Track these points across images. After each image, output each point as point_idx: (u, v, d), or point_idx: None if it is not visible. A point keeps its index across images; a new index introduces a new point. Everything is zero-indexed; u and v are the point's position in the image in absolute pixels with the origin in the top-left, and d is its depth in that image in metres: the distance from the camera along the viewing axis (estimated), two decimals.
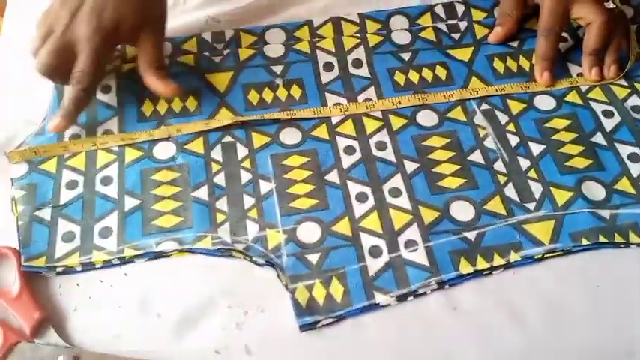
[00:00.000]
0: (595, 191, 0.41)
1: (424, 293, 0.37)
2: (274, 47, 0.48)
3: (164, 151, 0.42)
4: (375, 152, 0.43)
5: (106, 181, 0.41)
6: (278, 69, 0.47)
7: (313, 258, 0.38)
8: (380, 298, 0.36)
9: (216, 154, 0.42)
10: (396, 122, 0.44)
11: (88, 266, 0.37)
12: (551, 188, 0.41)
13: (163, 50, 0.45)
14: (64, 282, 0.37)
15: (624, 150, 0.43)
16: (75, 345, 0.35)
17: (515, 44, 0.49)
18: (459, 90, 0.46)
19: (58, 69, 0.41)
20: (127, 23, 0.42)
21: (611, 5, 0.46)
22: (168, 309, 0.36)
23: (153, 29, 0.43)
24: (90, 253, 0.37)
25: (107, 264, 0.37)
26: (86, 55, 0.40)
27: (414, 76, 0.47)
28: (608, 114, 0.45)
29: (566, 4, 0.46)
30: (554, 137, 0.43)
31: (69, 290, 0.37)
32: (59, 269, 0.37)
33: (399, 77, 0.47)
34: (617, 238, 0.38)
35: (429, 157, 0.42)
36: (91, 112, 0.44)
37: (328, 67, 0.47)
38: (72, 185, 0.41)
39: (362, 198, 0.40)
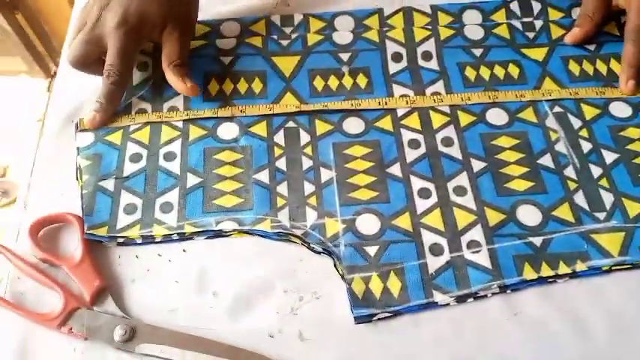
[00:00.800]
0: None
1: (485, 296, 0.36)
2: (343, 34, 0.47)
3: (228, 131, 0.42)
4: (441, 148, 0.42)
5: (169, 156, 0.41)
6: (345, 56, 0.46)
7: (371, 250, 0.37)
8: (439, 297, 0.35)
9: (279, 138, 0.42)
10: (465, 119, 0.43)
11: (148, 239, 0.38)
12: (622, 199, 0.39)
13: (188, 48, 0.44)
14: (124, 253, 0.38)
15: None
16: (132, 316, 0.35)
17: (592, 47, 0.47)
18: (532, 90, 0.44)
19: (87, 61, 0.42)
20: (151, 19, 0.42)
21: None
22: (224, 289, 0.36)
23: (177, 26, 0.43)
24: (150, 226, 0.38)
25: (167, 239, 0.38)
26: (114, 49, 0.41)
27: (485, 73, 0.45)
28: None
29: None
30: (629, 147, 0.41)
31: (128, 261, 0.37)
32: (120, 240, 0.38)
33: (470, 73, 0.45)
34: None
35: (497, 156, 0.41)
36: (157, 89, 0.44)
37: (396, 57, 0.46)
38: (136, 158, 0.41)
39: (424, 194, 0.40)
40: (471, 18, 0.48)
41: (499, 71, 0.45)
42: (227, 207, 0.39)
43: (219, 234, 0.38)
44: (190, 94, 0.43)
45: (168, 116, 0.43)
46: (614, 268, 0.36)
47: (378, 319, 0.35)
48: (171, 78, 0.43)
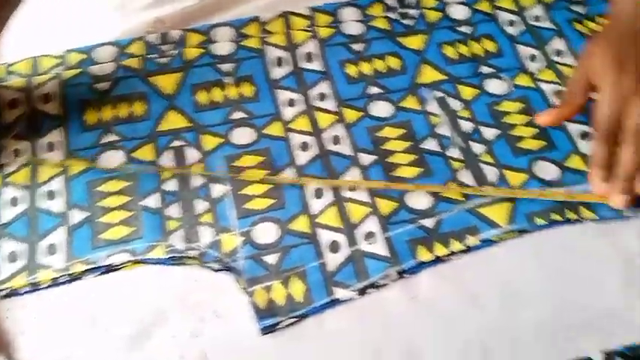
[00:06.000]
0: (548, 170, 0.41)
1: (385, 285, 0.36)
2: (222, 45, 0.47)
3: (110, 160, 0.41)
4: (330, 147, 0.42)
5: (51, 195, 0.39)
6: (227, 67, 0.46)
7: (271, 259, 0.37)
8: (340, 293, 0.36)
9: (166, 159, 0.41)
10: (350, 115, 0.44)
11: (36, 286, 0.36)
12: (504, 171, 0.41)
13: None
14: (11, 305, 0.35)
15: (575, 129, 0.43)
16: None
17: (466, 29, 0.49)
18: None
19: None
20: None
21: None
22: (120, 324, 0.35)
23: None
24: (36, 272, 0.36)
25: (55, 282, 0.36)
26: None
27: (365, 68, 0.46)
28: (559, 94, 0.45)
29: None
30: (506, 120, 0.43)
31: (15, 313, 0.35)
32: (5, 292, 0.36)
33: (350, 69, 0.46)
34: (570, 215, 0.39)
35: (384, 147, 0.42)
36: (31, 126, 0.42)
37: (279, 62, 0.46)
38: (14, 202, 0.39)
39: (319, 194, 0.40)
40: (349, 15, 0.49)
41: (379, 65, 0.46)
42: (117, 239, 0.37)
43: (111, 268, 0.37)
44: None
45: (45, 154, 0.41)
46: (503, 237, 0.38)
47: (285, 326, 0.35)
48: None
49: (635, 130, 0.38)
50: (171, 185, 0.40)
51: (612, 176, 0.39)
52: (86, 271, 0.36)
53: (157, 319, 0.35)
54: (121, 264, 0.37)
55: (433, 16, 0.50)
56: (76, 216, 0.38)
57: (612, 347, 0.34)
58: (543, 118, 0.42)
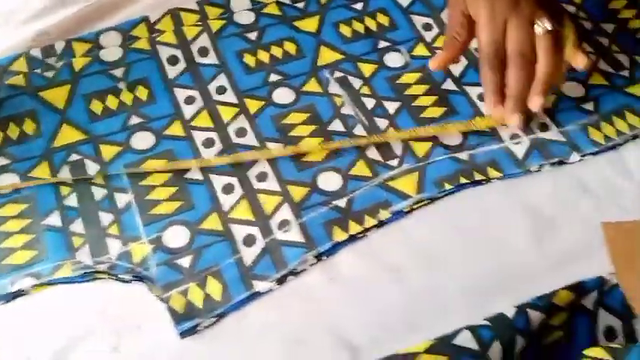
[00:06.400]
0: (453, 135, 0.42)
1: (303, 270, 0.36)
2: (111, 50, 0.45)
3: (3, 182, 0.39)
4: (236, 140, 0.41)
5: None
6: (119, 72, 0.44)
7: (185, 261, 0.36)
8: (259, 286, 0.35)
9: (64, 174, 0.39)
10: (253, 105, 0.43)
11: None
12: (410, 142, 0.41)
13: None
14: None
15: (474, 91, 0.44)
16: None
17: (359, 6, 0.49)
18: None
19: None
20: None
21: (546, 27, 0.40)
22: (37, 350, 0.33)
23: None
24: None
25: None
26: None
27: (263, 56, 0.46)
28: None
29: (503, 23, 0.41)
30: (407, 92, 0.44)
31: None
32: None
33: (249, 59, 0.45)
34: (477, 176, 0.40)
35: (291, 134, 0.42)
36: None
37: (173, 60, 0.45)
38: None
39: (228, 189, 0.39)
40: (239, 4, 0.48)
41: (276, 51, 0.46)
42: (21, 264, 0.35)
43: (18, 294, 0.35)
44: None
45: None
46: (414, 207, 0.39)
47: (205, 327, 0.34)
48: None
49: (516, 50, 0.40)
50: (72, 200, 0.38)
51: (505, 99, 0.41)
52: None
53: (75, 338, 0.33)
54: (28, 288, 0.35)
55: None
56: None
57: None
58: (432, 63, 0.43)
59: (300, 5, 0.49)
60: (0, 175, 0.39)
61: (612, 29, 0.48)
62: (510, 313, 0.31)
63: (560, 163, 0.41)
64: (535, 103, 0.40)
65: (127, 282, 0.35)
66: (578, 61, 0.41)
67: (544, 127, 0.42)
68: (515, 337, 0.30)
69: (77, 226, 0.37)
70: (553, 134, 0.42)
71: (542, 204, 0.39)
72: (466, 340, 0.29)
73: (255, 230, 0.37)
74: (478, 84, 0.44)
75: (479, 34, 0.42)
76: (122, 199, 0.38)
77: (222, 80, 0.44)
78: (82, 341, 0.33)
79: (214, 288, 0.35)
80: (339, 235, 0.37)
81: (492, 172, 0.40)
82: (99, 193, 0.39)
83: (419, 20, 0.48)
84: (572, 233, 0.38)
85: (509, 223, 0.39)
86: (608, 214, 0.39)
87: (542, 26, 0.41)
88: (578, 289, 0.33)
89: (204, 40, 0.46)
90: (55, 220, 0.37)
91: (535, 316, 0.31)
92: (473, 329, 0.30)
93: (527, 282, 0.35)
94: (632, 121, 0.43)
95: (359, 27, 0.48)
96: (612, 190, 0.40)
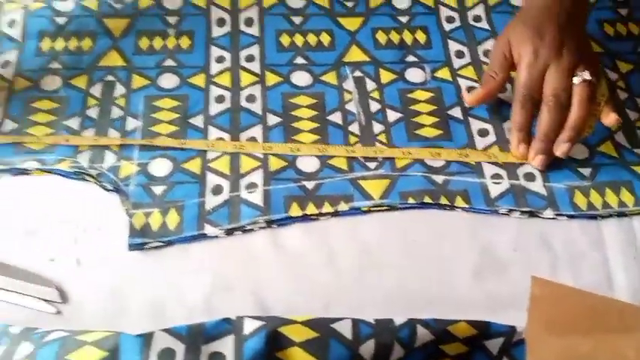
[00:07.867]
0: (437, 158, 0.43)
1: (252, 230, 0.40)
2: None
3: (49, 82, 0.46)
4: (244, 103, 0.46)
5: None
6: (173, 20, 0.50)
7: (158, 190, 0.41)
8: (209, 229, 0.39)
9: (96, 90, 0.46)
10: (271, 79, 0.47)
11: None
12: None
13: None
14: None
15: (476, 124, 0.45)
16: None
17: (404, 19, 0.51)
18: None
19: None
20: None
21: (585, 77, 0.42)
22: (17, 220, 0.40)
23: None
24: None
25: None
26: None
27: (298, 40, 0.50)
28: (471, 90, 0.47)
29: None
30: (412, 107, 0.46)
31: None
32: None
33: (285, 39, 0.50)
34: (443, 201, 0.41)
35: (292, 113, 0.45)
36: None
37: (220, 23, 0.50)
38: None
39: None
40: None
41: (311, 39, 0.50)
42: (34, 149, 0.43)
43: (23, 172, 0.42)
44: None
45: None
46: (373, 209, 0.41)
47: (152, 247, 0.39)
48: None
49: (551, 94, 0.42)
50: (94, 112, 0.45)
51: (532, 138, 0.43)
52: (1, 170, 0.41)
53: (48, 221, 0.40)
54: (31, 170, 0.42)
55: (375, 0, 0.52)
56: (8, 125, 0.44)
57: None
58: (470, 98, 0.45)
59: (350, 4, 0.52)
60: (47, 75, 0.46)
61: None
62: (399, 322, 0.32)
63: (532, 214, 0.41)
64: (562, 149, 0.42)
65: (107, 190, 0.41)
66: (610, 117, 0.43)
67: (530, 177, 0.43)
68: (393, 345, 0.32)
69: (88, 133, 0.43)
70: (536, 186, 0.42)
71: (499, 246, 0.40)
72: (344, 328, 0.31)
73: (225, 183, 0.42)
74: (483, 119, 0.45)
75: (519, 74, 0.43)
76: (132, 124, 0.44)
77: (254, 50, 0.49)
78: (54, 225, 0.40)
79: (173, 219, 0.40)
80: (295, 211, 0.40)
81: (459, 202, 0.41)
82: (117, 113, 0.45)
83: (454, 46, 0.50)
84: (517, 281, 0.38)
85: (460, 253, 0.40)
86: (561, 276, 0.39)
87: (581, 77, 0.42)
88: (483, 328, 0.34)
89: (253, 12, 0.51)
90: (73, 123, 0.44)
91: (423, 333, 0.32)
92: (355, 321, 0.32)
93: (457, 310, 0.36)
94: (625, 198, 0.42)
95: (395, 37, 0.50)
96: (575, 254, 0.40)
